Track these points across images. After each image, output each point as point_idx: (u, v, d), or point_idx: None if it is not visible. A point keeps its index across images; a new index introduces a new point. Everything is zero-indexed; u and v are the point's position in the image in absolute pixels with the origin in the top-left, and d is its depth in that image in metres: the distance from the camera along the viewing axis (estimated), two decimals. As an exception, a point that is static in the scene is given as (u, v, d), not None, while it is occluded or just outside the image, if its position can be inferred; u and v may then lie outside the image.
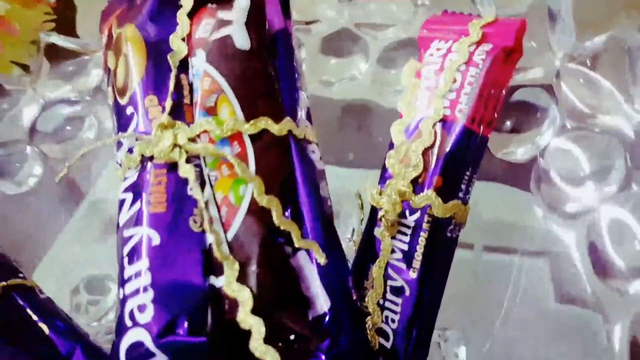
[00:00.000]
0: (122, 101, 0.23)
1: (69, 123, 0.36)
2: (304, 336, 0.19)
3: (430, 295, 0.21)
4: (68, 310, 0.26)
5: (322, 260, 0.20)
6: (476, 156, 0.22)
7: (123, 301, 0.20)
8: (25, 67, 0.44)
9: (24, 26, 0.42)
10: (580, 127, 0.30)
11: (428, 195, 0.21)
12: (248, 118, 0.21)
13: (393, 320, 0.21)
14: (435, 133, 0.22)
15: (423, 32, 0.25)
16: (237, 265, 0.19)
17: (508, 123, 0.31)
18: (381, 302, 0.21)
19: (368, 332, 0.21)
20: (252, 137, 0.21)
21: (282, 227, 0.20)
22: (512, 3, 0.32)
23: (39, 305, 0.22)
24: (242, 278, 0.19)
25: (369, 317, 0.21)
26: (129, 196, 0.21)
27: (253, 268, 0.20)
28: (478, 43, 0.23)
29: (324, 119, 0.34)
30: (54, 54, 0.37)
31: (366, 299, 0.22)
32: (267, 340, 0.18)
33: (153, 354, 0.19)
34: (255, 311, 0.19)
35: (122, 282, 0.20)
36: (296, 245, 0.20)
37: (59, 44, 0.36)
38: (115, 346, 0.19)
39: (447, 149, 0.21)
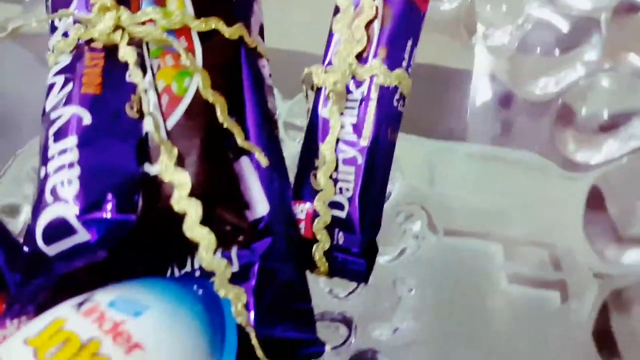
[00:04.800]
0: None
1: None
2: (241, 229, 0.19)
3: (382, 162, 0.22)
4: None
5: (264, 162, 0.20)
6: (415, 28, 0.23)
7: (44, 180, 0.18)
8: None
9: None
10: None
11: (374, 65, 0.22)
12: (198, 15, 0.21)
13: (347, 189, 0.21)
14: (377, 7, 0.22)
15: None
16: (175, 151, 0.18)
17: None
18: (334, 175, 0.22)
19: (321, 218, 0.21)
20: (201, 36, 0.21)
21: (225, 126, 0.20)
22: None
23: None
24: (179, 165, 0.19)
25: (321, 192, 0.22)
26: (60, 79, 0.20)
27: (192, 158, 0.19)
28: None
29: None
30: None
31: (318, 176, 0.22)
32: (202, 224, 0.18)
33: (75, 231, 0.17)
34: (191, 195, 0.18)
35: (45, 161, 0.18)
36: (239, 144, 0.20)
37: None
38: (31, 227, 0.18)
39: (389, 21, 0.22)
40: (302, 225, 0.22)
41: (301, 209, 0.22)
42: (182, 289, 0.18)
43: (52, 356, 0.14)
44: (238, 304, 0.18)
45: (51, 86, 0.20)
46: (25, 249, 0.19)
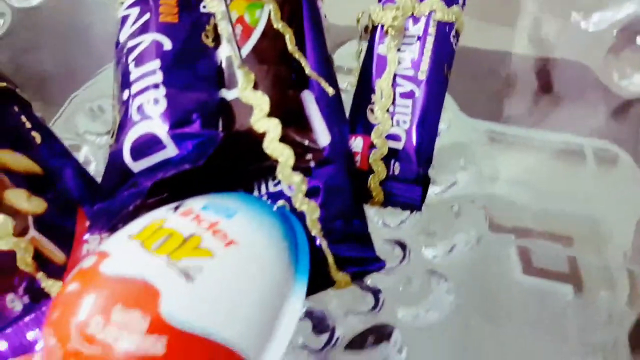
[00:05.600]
0: None
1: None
2: (311, 150, 0.20)
3: (437, 97, 0.23)
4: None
5: (330, 91, 0.21)
6: None
7: (127, 101, 0.19)
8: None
9: None
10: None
11: (432, 1, 0.23)
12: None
13: (405, 122, 0.22)
14: None
15: None
16: (252, 76, 0.20)
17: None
18: (391, 109, 0.23)
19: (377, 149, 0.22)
20: None
21: (294, 55, 0.21)
22: None
23: (34, 118, 0.21)
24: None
25: (378, 125, 0.23)
26: (135, 10, 0.21)
27: (265, 84, 0.20)
28: None
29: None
30: None
31: (375, 110, 0.23)
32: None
33: (163, 146, 0.18)
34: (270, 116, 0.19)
35: (128, 85, 0.19)
36: (307, 73, 0.21)
37: None
38: (118, 145, 0.19)
39: None
40: (357, 158, 0.23)
41: (357, 143, 0.23)
42: (260, 201, 0.19)
43: (158, 247, 0.15)
44: (313, 215, 0.19)
45: (125, 18, 0.21)
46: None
